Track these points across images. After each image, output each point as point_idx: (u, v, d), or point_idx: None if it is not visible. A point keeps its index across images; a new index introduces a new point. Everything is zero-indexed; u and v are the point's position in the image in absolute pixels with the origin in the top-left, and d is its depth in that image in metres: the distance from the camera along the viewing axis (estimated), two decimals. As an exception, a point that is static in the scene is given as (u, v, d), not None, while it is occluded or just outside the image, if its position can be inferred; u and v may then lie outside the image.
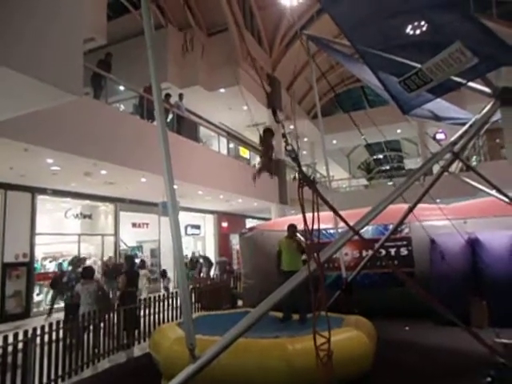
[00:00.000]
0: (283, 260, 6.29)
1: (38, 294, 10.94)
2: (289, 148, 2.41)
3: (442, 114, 4.61)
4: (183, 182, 10.17)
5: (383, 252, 7.22)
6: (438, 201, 8.06)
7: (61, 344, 5.42)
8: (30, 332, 4.94)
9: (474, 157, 17.54)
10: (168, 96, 11.81)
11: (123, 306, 6.89)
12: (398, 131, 23.11)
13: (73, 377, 5.43)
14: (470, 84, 3.53)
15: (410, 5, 3.42)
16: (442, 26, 3.34)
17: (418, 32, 3.47)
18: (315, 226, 2.22)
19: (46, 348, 5.12)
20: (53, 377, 5.14)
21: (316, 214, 2.19)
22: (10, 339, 4.67)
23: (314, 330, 2.30)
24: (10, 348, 4.63)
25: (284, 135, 2.52)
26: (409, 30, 3.55)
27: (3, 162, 8.00)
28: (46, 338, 5.17)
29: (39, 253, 11.23)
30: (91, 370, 5.75)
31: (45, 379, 5.02)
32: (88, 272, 6.95)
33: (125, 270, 8.04)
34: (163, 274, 14.53)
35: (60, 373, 5.26)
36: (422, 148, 21.32)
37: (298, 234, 6.92)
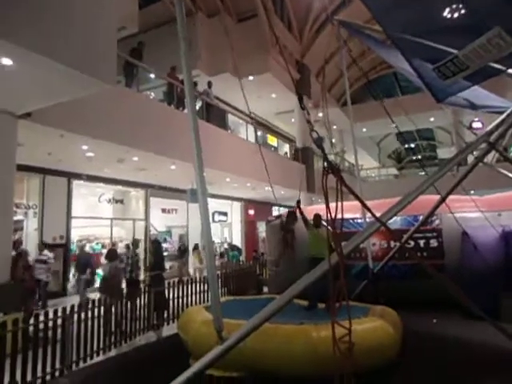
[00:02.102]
0: (310, 246, 6.33)
1: (73, 275, 11.51)
2: (313, 135, 2.38)
3: (479, 102, 4.43)
4: (211, 169, 10.31)
5: (412, 243, 7.08)
6: (471, 192, 7.80)
7: (96, 322, 5.73)
8: (69, 309, 5.26)
9: (512, 147, 16.72)
10: (195, 84, 11.91)
11: (153, 288, 7.19)
12: (431, 119, 22.31)
13: (107, 352, 5.74)
14: (510, 71, 3.37)
15: (447, -13, 3.29)
16: (480, 9, 3.20)
17: (454, 16, 3.33)
18: (339, 216, 2.20)
19: (82, 325, 5.44)
20: (88, 352, 5.47)
21: (340, 203, 2.16)
22: (51, 315, 4.99)
23: (332, 322, 2.30)
24: (50, 323, 4.95)
25: (309, 121, 2.50)
26: (445, 13, 3.42)
27: (42, 147, 8.39)
28: (83, 315, 5.49)
29: (74, 235, 11.77)
30: (124, 347, 6.05)
31: (81, 353, 5.35)
32: (111, 254, 7.61)
33: (151, 253, 8.44)
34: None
35: (95, 348, 5.58)
36: (457, 137, 20.52)
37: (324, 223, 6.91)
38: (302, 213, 6.43)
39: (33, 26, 3.90)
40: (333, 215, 2.21)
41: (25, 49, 3.86)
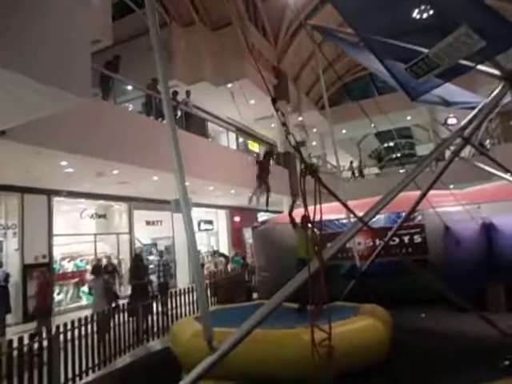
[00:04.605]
0: (298, 248, 6.35)
1: (58, 294, 11.21)
2: (289, 137, 2.40)
3: (452, 99, 4.54)
4: (194, 178, 10.25)
5: (397, 240, 7.19)
6: (451, 186, 7.98)
7: (83, 341, 5.58)
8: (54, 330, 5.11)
9: (488, 140, 17.21)
10: (175, 93, 11.87)
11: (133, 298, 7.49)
12: (408, 118, 22.79)
13: (96, 371, 5.59)
14: (479, 67, 3.47)
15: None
16: (448, 9, 3.29)
17: (423, 16, 3.42)
18: (318, 217, 2.21)
19: (69, 345, 5.29)
20: (77, 372, 5.31)
21: (319, 204, 2.18)
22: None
23: (312, 326, 2.30)
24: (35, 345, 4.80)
25: (284, 124, 2.52)
26: (416, 14, 3.51)
27: (18, 165, 8.18)
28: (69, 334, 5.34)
29: (57, 253, 11.48)
30: (113, 364, 5.91)
31: (70, 374, 5.20)
32: (96, 270, 7.74)
33: (130, 266, 8.81)
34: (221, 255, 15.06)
35: (84, 368, 5.43)
36: (434, 134, 21.01)
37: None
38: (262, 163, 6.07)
39: (7, 44, 3.82)
40: (312, 217, 2.22)
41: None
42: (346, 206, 2.45)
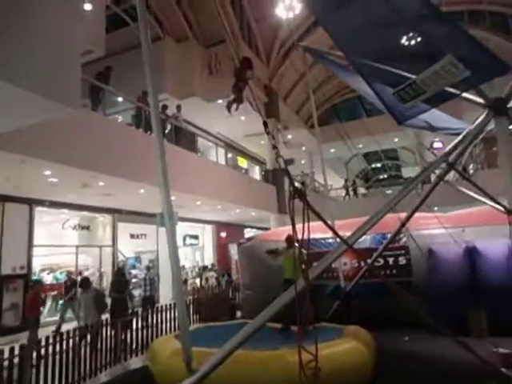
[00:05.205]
0: (285, 270, 6.33)
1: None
2: (279, 160, 2.42)
3: (437, 124, 4.65)
4: (181, 192, 10.17)
5: (381, 261, 7.20)
6: (435, 209, 8.08)
7: (57, 357, 5.36)
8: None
9: (471, 165, 17.62)
10: (165, 107, 11.88)
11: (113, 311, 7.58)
12: (395, 140, 23.22)
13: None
14: (464, 95, 3.57)
15: (400, 17, 3.48)
16: (435, 38, 3.40)
17: (410, 43, 3.52)
18: (306, 237, 2.22)
19: (42, 361, 5.07)
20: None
21: (306, 224, 2.19)
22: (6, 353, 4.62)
23: (299, 347, 2.27)
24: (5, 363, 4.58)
25: (275, 147, 2.54)
26: (402, 41, 3.61)
27: (0, 173, 8.00)
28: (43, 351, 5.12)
29: (37, 265, 11.16)
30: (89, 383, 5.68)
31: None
32: (85, 282, 7.62)
33: (112, 280, 9.03)
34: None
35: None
36: (420, 157, 21.43)
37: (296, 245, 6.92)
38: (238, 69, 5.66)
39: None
40: (300, 237, 2.22)
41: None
42: (331, 228, 2.45)
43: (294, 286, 2.42)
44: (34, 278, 10.54)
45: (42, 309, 8.51)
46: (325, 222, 2.41)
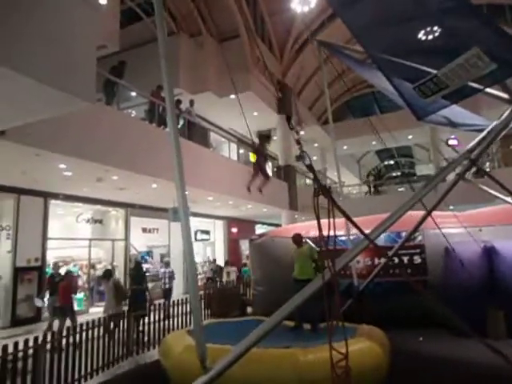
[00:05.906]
0: (295, 268, 6.25)
1: (48, 298, 10.99)
2: (303, 157, 2.36)
3: (458, 121, 4.52)
4: (193, 187, 10.18)
5: (396, 260, 7.09)
6: (451, 208, 7.91)
7: (71, 349, 5.42)
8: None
9: (487, 163, 17.25)
10: (179, 102, 11.87)
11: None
12: (410, 137, 22.89)
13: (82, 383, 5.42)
14: (488, 90, 3.44)
15: (424, 9, 3.36)
16: (459, 31, 3.28)
17: (433, 36, 3.40)
18: (331, 234, 2.18)
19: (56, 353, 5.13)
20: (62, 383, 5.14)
21: (332, 221, 2.15)
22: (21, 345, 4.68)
23: (330, 346, 2.22)
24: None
25: (298, 142, 2.48)
26: (424, 34, 3.49)
27: (15, 166, 8.10)
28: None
29: (50, 257, 11.32)
30: (101, 376, 5.73)
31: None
32: (108, 273, 8.05)
33: (131, 272, 9.33)
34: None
35: (69, 380, 5.26)
36: (435, 154, 21.05)
37: (309, 241, 6.85)
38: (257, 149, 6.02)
39: (6, 42, 3.78)
40: (324, 233, 2.18)
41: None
42: (354, 224, 2.39)
43: (322, 281, 2.35)
44: (47, 269, 10.68)
45: (74, 296, 8.72)
46: (347, 217, 2.36)
